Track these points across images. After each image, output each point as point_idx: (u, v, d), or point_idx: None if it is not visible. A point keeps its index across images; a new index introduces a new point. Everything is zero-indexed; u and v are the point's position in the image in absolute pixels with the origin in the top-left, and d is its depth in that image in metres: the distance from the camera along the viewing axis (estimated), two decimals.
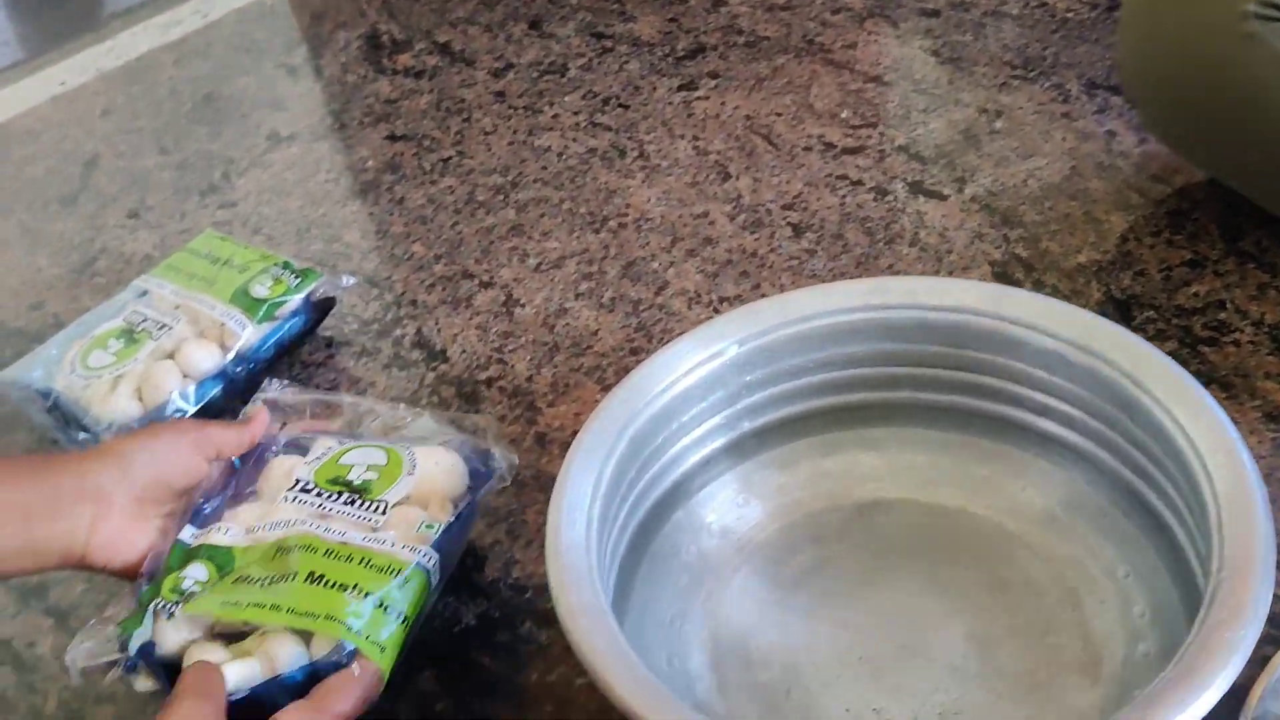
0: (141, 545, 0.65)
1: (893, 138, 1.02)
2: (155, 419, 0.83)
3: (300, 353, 0.92)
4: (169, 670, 0.62)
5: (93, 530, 0.63)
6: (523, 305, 0.93)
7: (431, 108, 1.17)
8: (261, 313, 0.88)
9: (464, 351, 0.90)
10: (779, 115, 1.07)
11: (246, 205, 1.09)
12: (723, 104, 1.10)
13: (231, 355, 0.86)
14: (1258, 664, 0.57)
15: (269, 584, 0.63)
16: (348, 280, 0.93)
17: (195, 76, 1.30)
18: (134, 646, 0.62)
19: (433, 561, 0.65)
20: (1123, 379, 0.62)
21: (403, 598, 0.63)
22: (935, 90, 1.07)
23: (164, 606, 0.63)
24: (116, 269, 1.05)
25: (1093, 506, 0.66)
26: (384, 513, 0.67)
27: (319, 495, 0.68)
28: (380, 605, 0.61)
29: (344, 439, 0.72)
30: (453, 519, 0.68)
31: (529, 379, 0.87)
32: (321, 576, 0.62)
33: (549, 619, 0.71)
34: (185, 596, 0.63)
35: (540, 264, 0.97)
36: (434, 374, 0.89)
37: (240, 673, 0.60)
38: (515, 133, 1.12)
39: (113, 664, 0.62)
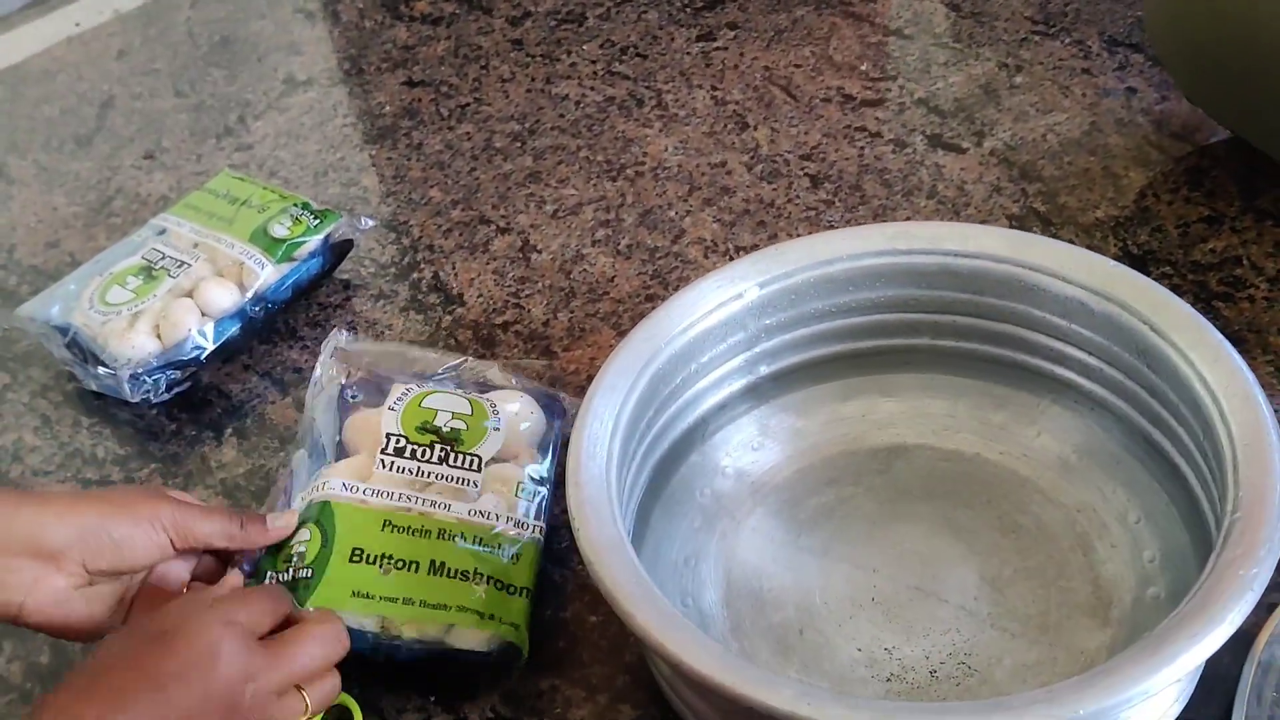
0: (84, 612, 0.61)
1: (912, 91, 1.02)
2: (173, 357, 0.84)
3: (317, 295, 0.92)
4: None
5: (33, 589, 0.59)
6: (539, 251, 0.93)
7: (449, 54, 1.17)
8: (280, 253, 0.88)
9: (480, 296, 0.90)
10: (798, 67, 1.07)
11: (263, 148, 1.09)
12: (741, 55, 1.10)
13: (250, 295, 0.87)
14: (1265, 610, 0.58)
15: (389, 570, 0.64)
16: (367, 222, 0.93)
17: (211, 19, 1.29)
18: None
19: (540, 532, 0.68)
20: (1142, 325, 0.62)
21: (520, 573, 0.66)
22: (955, 44, 1.06)
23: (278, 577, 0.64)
24: (132, 209, 1.05)
25: (1106, 453, 0.67)
26: (479, 469, 0.69)
27: (414, 457, 0.68)
28: (502, 587, 0.65)
29: (420, 381, 0.73)
30: (546, 474, 0.71)
31: (545, 324, 0.87)
32: (443, 565, 0.64)
33: (563, 558, 0.71)
34: (297, 561, 0.64)
35: (557, 211, 0.97)
36: (450, 317, 0.89)
37: None
38: (533, 80, 1.11)
39: None
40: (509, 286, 0.91)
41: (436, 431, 0.70)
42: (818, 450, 0.72)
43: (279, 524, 0.66)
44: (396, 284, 0.93)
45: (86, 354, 0.85)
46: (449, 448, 0.69)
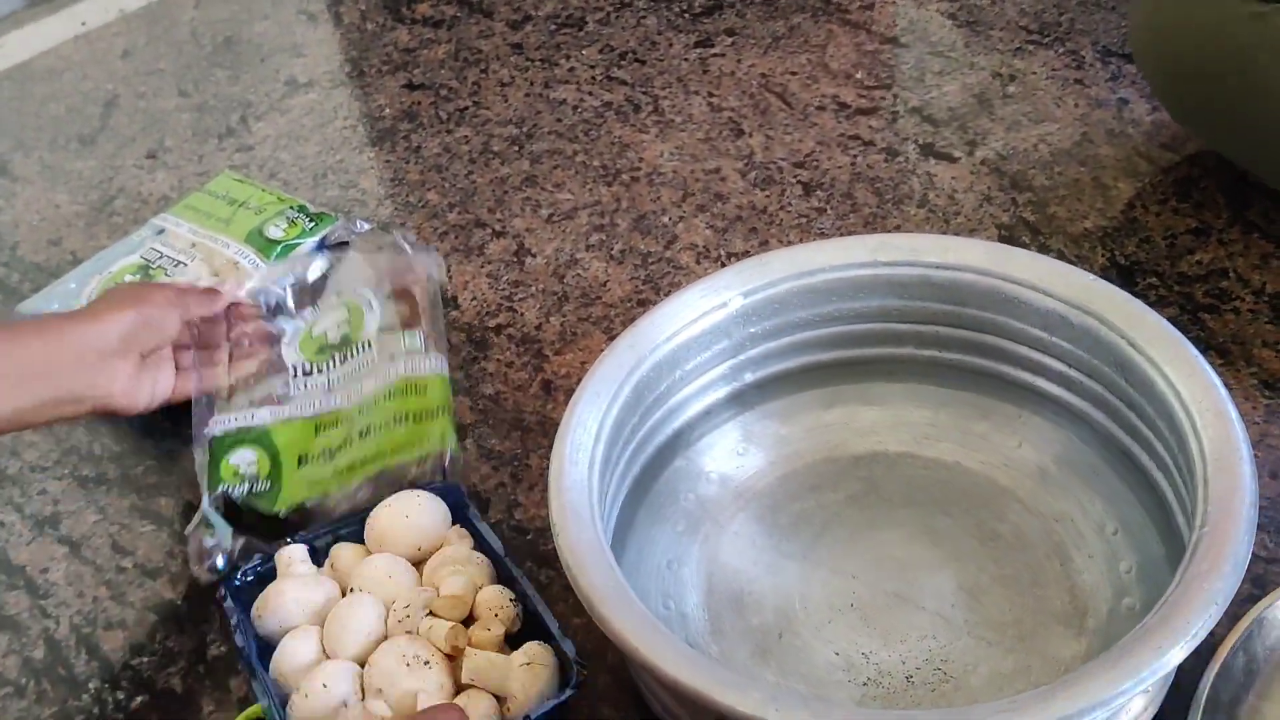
0: (149, 388, 0.75)
1: (906, 99, 1.03)
2: None
3: None
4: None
5: (115, 378, 0.73)
6: (534, 255, 0.94)
7: (449, 58, 1.18)
8: (275, 254, 0.89)
9: (474, 298, 0.91)
10: (794, 74, 1.08)
11: (264, 149, 1.10)
12: (738, 61, 1.11)
13: (244, 295, 0.88)
14: (1229, 620, 0.59)
15: (332, 457, 0.75)
16: (362, 225, 0.94)
17: (216, 19, 1.31)
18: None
19: (438, 361, 0.79)
20: (1119, 339, 0.63)
21: (431, 400, 0.77)
22: (951, 53, 1.07)
23: (232, 491, 0.74)
24: (134, 208, 1.06)
25: (1085, 464, 0.68)
26: (370, 346, 0.80)
27: (320, 372, 0.80)
28: (421, 418, 0.76)
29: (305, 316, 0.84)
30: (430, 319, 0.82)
31: (538, 327, 0.88)
32: (368, 428, 0.75)
33: (549, 559, 0.72)
34: (251, 479, 0.74)
35: (552, 215, 0.98)
36: (444, 320, 0.90)
37: None
38: (531, 85, 1.12)
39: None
40: (503, 290, 0.92)
41: (332, 346, 0.81)
42: (800, 457, 0.72)
43: (215, 292, 0.81)
44: None
45: None
46: (344, 352, 0.81)
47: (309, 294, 0.85)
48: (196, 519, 0.73)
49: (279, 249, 0.90)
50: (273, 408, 0.78)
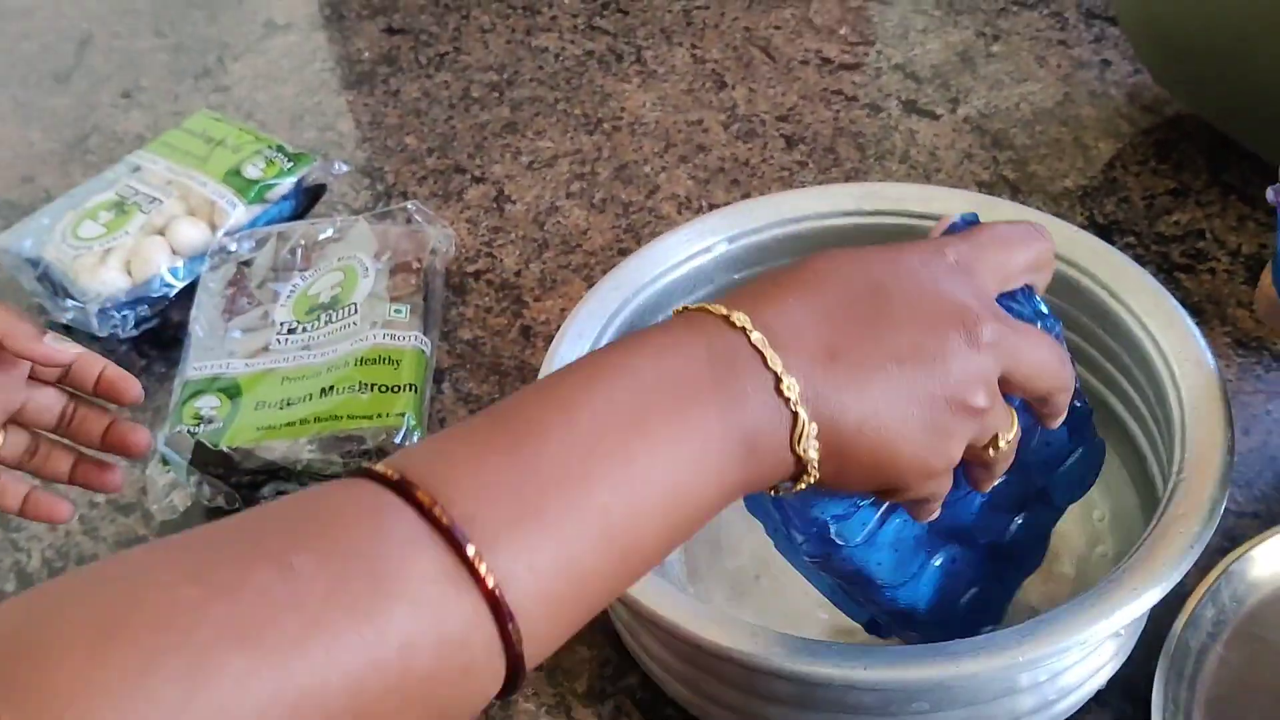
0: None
1: (890, 56, 1.03)
2: (143, 293, 0.84)
3: None
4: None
5: None
6: (514, 202, 0.94)
7: (430, 3, 1.17)
8: (253, 194, 0.88)
9: (453, 244, 0.91)
10: (778, 28, 1.07)
11: (240, 90, 1.09)
12: (722, 14, 1.10)
13: (220, 234, 0.87)
14: (1199, 572, 0.59)
15: (287, 406, 0.74)
16: (340, 167, 0.93)
17: None
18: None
19: (419, 340, 0.78)
20: (1100, 290, 0.63)
21: (403, 375, 0.76)
22: (935, 11, 1.07)
23: (188, 431, 0.73)
24: (109, 147, 1.05)
25: None
26: (356, 311, 0.80)
27: (304, 332, 0.79)
28: (386, 390, 0.75)
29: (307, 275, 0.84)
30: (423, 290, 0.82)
31: (517, 274, 0.88)
32: (331, 388, 0.74)
33: None
34: (207, 418, 0.74)
35: (533, 162, 0.97)
36: (443, 299, 0.89)
37: None
38: (513, 32, 1.11)
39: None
40: (482, 236, 0.91)
41: (321, 306, 0.81)
42: None
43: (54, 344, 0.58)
44: None
45: (57, 287, 0.86)
46: (331, 313, 0.80)
47: (311, 255, 0.84)
48: (153, 457, 0.73)
49: (256, 188, 0.89)
50: (250, 359, 0.78)
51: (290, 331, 0.80)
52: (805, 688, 0.52)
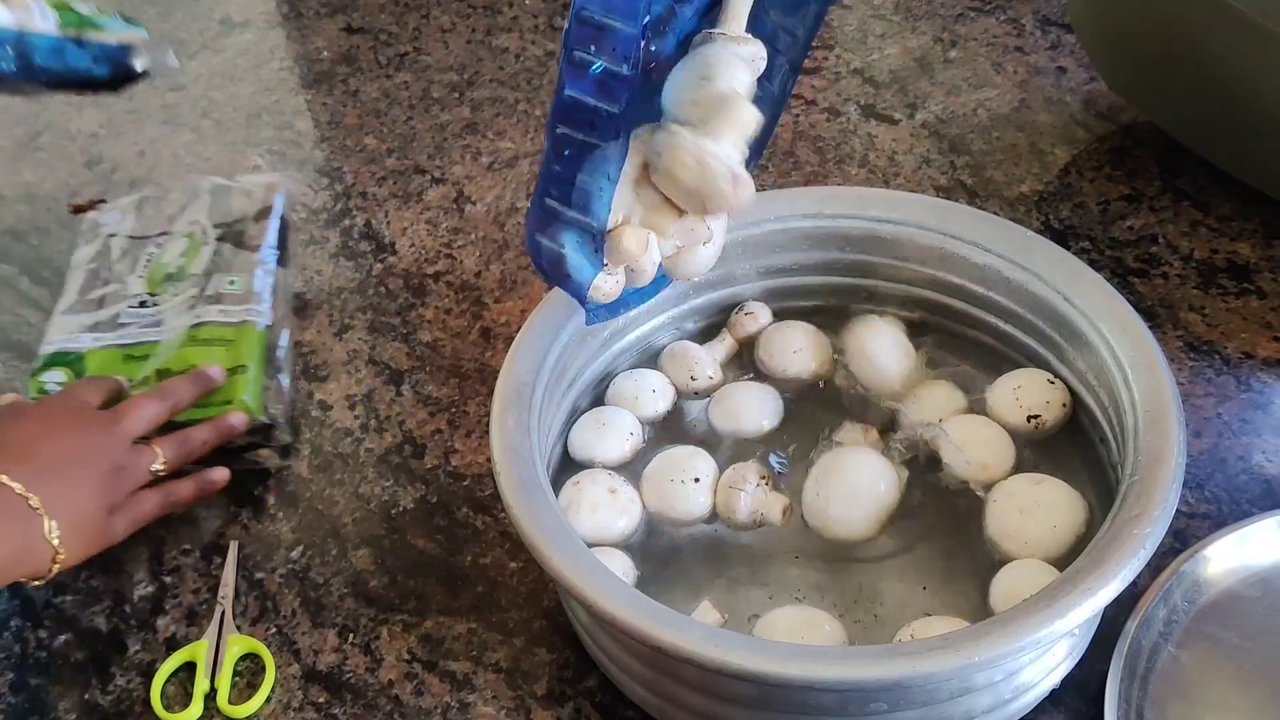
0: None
1: (849, 61, 1.03)
2: None
3: None
4: None
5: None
6: (474, 202, 0.93)
7: (389, 2, 1.16)
8: (70, 20, 0.83)
9: (413, 245, 0.90)
10: None
11: (196, 88, 1.08)
12: None
13: (13, 31, 0.80)
14: (1152, 572, 0.60)
15: (144, 386, 0.75)
16: (173, 60, 0.89)
17: None
18: None
19: (255, 314, 0.79)
20: (1055, 294, 0.64)
21: (241, 354, 0.77)
22: (893, 17, 1.08)
23: None
24: (61, 145, 1.03)
25: None
26: (196, 284, 0.80)
27: (154, 305, 0.80)
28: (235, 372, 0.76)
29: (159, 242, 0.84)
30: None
31: (477, 274, 0.87)
32: (167, 371, 0.75)
33: (486, 505, 0.72)
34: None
35: (493, 163, 0.97)
36: (381, 265, 0.89)
37: None
38: (474, 32, 1.11)
39: None
40: (442, 237, 0.91)
41: (169, 277, 0.82)
42: None
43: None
44: (327, 230, 0.93)
45: None
46: (176, 285, 0.81)
47: (167, 220, 0.85)
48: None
49: (76, 18, 0.83)
50: (98, 334, 0.78)
51: (141, 305, 0.80)
52: (764, 689, 0.52)
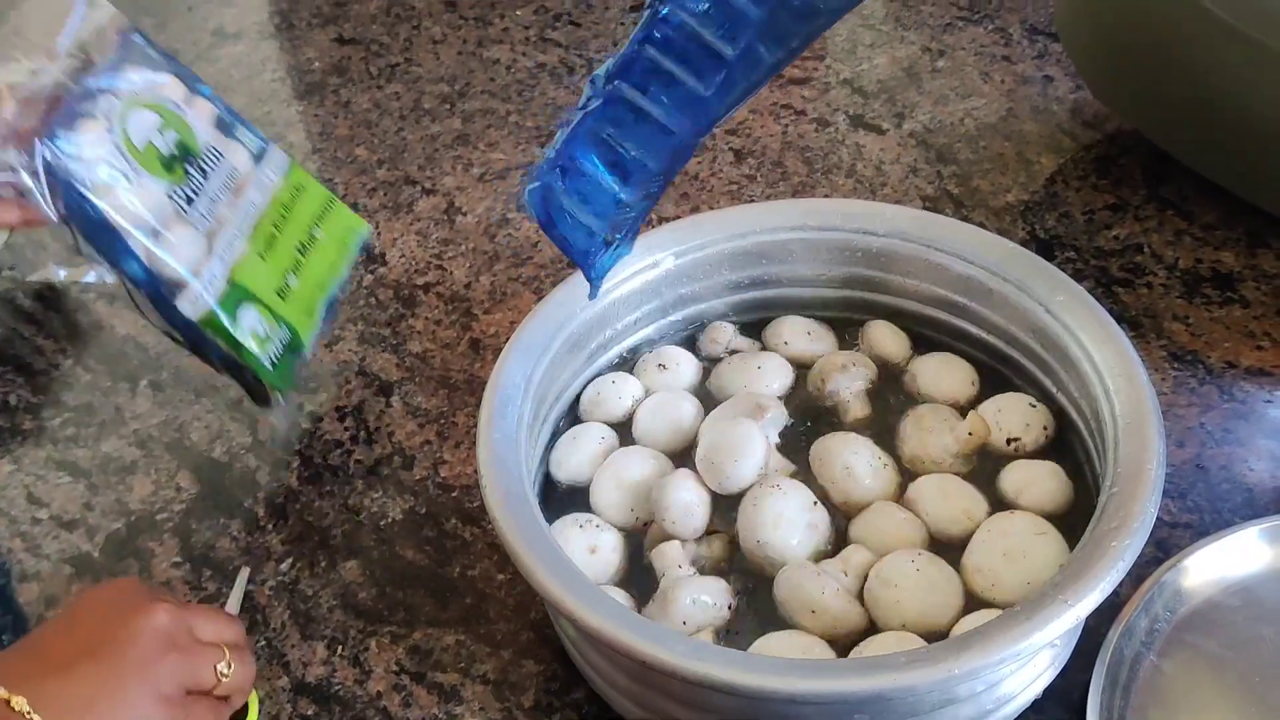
0: None
1: (838, 71, 1.04)
2: None
3: None
4: None
5: None
6: (464, 214, 0.94)
7: (381, 13, 1.17)
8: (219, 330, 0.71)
9: (403, 256, 0.91)
10: None
11: None
12: None
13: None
14: (1134, 582, 0.61)
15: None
16: (283, 421, 0.79)
17: None
18: None
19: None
20: (1036, 305, 0.64)
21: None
22: (882, 27, 1.08)
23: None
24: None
25: None
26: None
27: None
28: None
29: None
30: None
31: (467, 286, 0.88)
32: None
33: (474, 517, 0.73)
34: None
35: (484, 174, 0.97)
36: (372, 276, 0.90)
37: None
38: (465, 43, 1.12)
39: None
40: (432, 248, 0.91)
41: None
42: None
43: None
44: None
45: None
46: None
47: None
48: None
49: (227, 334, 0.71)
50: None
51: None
52: (748, 701, 0.52)
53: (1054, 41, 1.04)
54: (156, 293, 0.67)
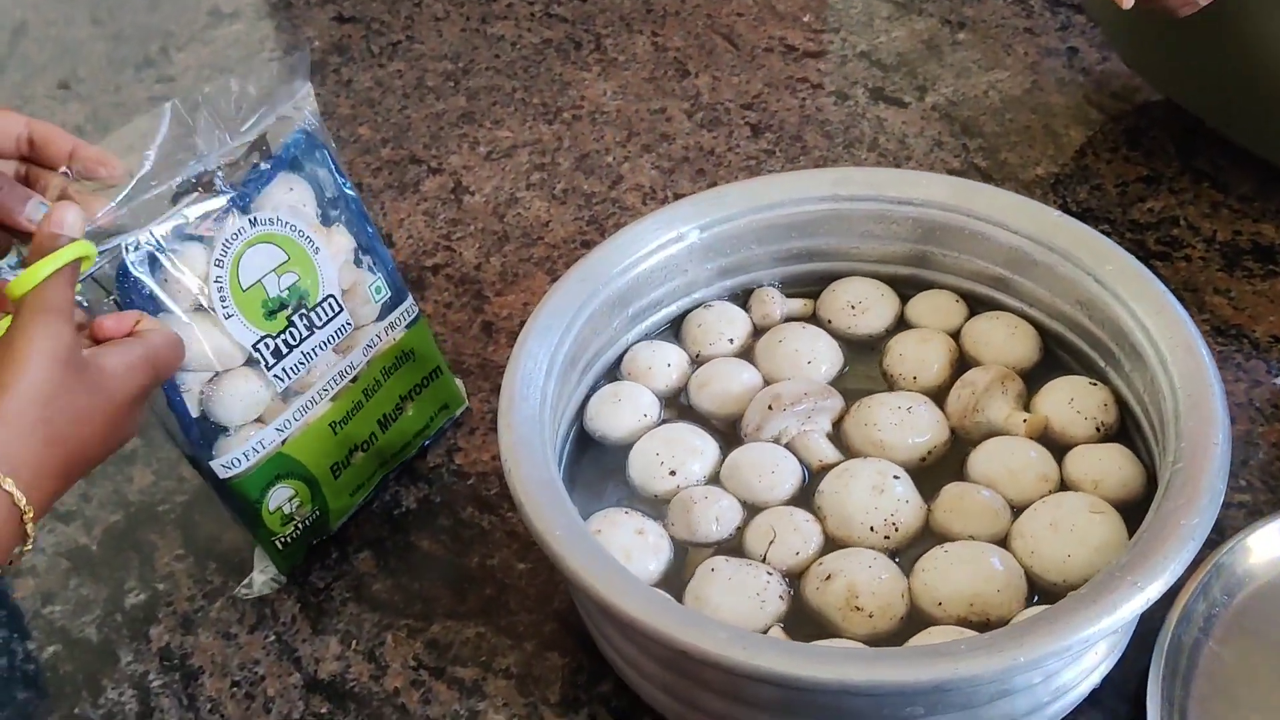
0: None
1: (854, 43, 1.01)
2: None
3: None
4: None
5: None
6: (472, 193, 0.91)
7: None
8: None
9: (410, 237, 0.88)
10: (740, 15, 1.05)
11: (185, 81, 1.05)
12: (683, 1, 1.07)
13: None
14: (1191, 565, 0.58)
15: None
16: None
17: None
18: None
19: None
20: (1085, 276, 0.61)
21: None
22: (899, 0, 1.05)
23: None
24: None
25: None
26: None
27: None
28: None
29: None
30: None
31: (477, 267, 0.85)
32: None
33: (492, 505, 0.69)
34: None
35: (491, 152, 0.94)
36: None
37: None
38: (468, 20, 1.08)
39: None
40: (440, 228, 0.88)
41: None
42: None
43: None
44: None
45: None
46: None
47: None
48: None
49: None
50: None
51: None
52: (795, 693, 0.49)
53: (1077, 13, 1.01)
54: (188, 431, 0.59)
